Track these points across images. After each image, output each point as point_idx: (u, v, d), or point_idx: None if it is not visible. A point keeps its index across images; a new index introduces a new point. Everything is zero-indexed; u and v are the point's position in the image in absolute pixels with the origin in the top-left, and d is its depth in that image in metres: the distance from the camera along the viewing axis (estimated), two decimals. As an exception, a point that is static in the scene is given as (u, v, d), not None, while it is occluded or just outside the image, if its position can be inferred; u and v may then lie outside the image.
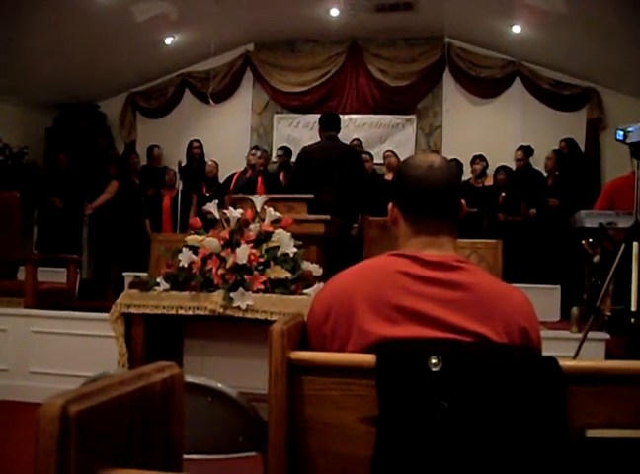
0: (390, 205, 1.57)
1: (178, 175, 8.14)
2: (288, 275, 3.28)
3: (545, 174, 7.95)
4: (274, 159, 9.05)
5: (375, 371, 1.23)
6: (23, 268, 5.08)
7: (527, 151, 8.20)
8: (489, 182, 8.16)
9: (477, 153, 8.27)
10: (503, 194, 7.87)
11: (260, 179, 7.85)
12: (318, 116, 6.24)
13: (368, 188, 5.86)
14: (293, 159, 8.63)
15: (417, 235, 1.49)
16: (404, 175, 1.53)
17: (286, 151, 8.73)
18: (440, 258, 1.43)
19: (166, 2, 7.74)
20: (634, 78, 7.86)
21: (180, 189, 7.99)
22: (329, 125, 5.69)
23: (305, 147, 5.90)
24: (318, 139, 5.94)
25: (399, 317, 1.35)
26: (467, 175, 8.18)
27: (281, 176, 8.33)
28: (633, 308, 3.66)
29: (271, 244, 3.36)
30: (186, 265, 3.35)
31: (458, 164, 7.67)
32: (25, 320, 4.37)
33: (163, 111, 9.82)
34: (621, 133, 3.80)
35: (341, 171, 5.44)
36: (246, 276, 3.23)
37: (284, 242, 3.36)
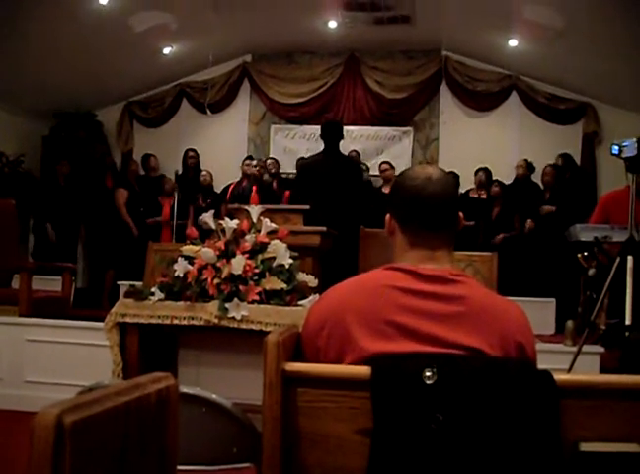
0: (387, 216, 1.56)
1: (175, 184, 8.16)
2: (284, 286, 3.28)
3: (542, 187, 7.99)
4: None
5: (370, 384, 1.23)
6: (18, 276, 5.06)
7: (530, 167, 8.24)
8: (485, 194, 8.19)
9: (476, 166, 8.29)
10: (496, 208, 7.91)
11: (254, 188, 7.85)
12: (315, 127, 6.25)
13: (368, 198, 5.86)
14: (281, 170, 8.68)
15: (413, 248, 1.48)
16: (401, 186, 1.52)
17: (276, 162, 8.79)
18: (437, 271, 1.43)
19: (165, 12, 7.77)
20: (630, 93, 7.90)
21: (177, 198, 7.99)
22: (328, 136, 5.67)
23: (304, 160, 5.90)
24: (315, 151, 5.95)
25: (393, 333, 1.34)
26: (465, 187, 8.21)
27: (274, 184, 8.34)
28: (628, 322, 3.66)
29: (266, 255, 3.37)
30: (181, 274, 3.35)
31: (455, 177, 7.69)
32: (19, 328, 4.35)
33: (160, 120, 9.83)
34: (616, 148, 3.82)
35: (339, 183, 5.44)
36: (241, 287, 3.23)
37: (280, 253, 3.37)
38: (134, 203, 8.35)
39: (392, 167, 8.38)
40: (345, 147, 8.42)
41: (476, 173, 8.23)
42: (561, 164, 8.07)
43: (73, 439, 0.69)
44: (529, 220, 7.64)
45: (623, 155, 3.79)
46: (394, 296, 1.38)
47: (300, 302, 3.28)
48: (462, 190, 8.15)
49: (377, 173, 8.65)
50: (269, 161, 8.80)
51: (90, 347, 4.10)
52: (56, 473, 0.68)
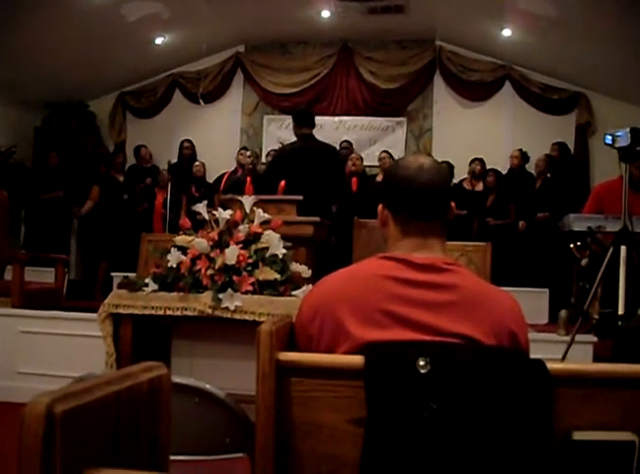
0: (380, 206, 1.56)
1: (169, 175, 8.14)
2: (277, 276, 3.27)
3: (535, 175, 8.00)
4: (263, 160, 9.02)
5: (364, 373, 1.23)
6: (10, 267, 5.05)
7: (524, 157, 8.25)
8: (480, 185, 8.19)
9: (469, 156, 8.30)
10: (492, 197, 7.91)
11: (249, 179, 7.84)
12: (309, 118, 6.13)
13: (344, 186, 5.86)
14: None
15: (406, 237, 1.49)
16: (394, 176, 1.53)
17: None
18: (430, 260, 1.43)
19: (157, 2, 7.72)
20: (623, 83, 7.90)
21: (169, 189, 7.98)
22: (303, 122, 5.54)
23: (282, 149, 5.83)
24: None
25: (386, 322, 1.34)
26: (459, 177, 8.22)
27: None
28: (620, 311, 3.67)
29: (260, 245, 3.36)
30: (174, 265, 3.34)
31: (449, 167, 7.68)
32: (12, 320, 4.34)
33: (153, 111, 9.80)
34: (610, 138, 3.82)
35: (318, 172, 5.36)
36: (235, 277, 3.23)
37: (273, 243, 3.36)
38: (117, 194, 8.35)
39: (391, 157, 8.30)
40: (338, 137, 8.46)
41: (470, 164, 8.23)
42: (557, 153, 8.08)
43: (63, 429, 0.69)
44: (522, 222, 7.64)
45: (616, 145, 3.80)
46: (387, 285, 1.38)
47: (294, 292, 3.28)
48: (456, 180, 8.16)
49: (371, 163, 8.62)
50: (272, 152, 8.77)
51: (83, 338, 4.10)
52: (46, 463, 0.67)
